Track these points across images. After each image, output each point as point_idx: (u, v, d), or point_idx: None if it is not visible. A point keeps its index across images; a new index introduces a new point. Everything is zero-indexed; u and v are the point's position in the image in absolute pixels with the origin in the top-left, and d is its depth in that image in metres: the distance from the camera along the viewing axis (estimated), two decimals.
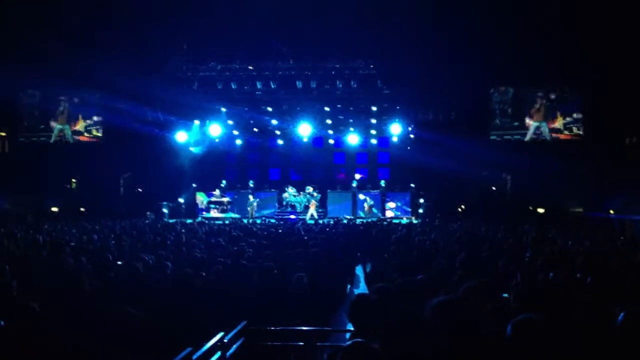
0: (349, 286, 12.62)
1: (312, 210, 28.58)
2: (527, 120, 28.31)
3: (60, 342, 4.46)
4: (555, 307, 4.87)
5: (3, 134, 30.23)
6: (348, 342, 3.23)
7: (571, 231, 16.34)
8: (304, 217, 27.68)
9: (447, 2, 22.79)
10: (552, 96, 28.08)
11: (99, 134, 29.94)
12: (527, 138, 28.32)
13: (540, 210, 26.83)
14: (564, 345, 3.48)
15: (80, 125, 29.93)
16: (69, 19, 23.68)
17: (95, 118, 29.90)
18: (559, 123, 28.01)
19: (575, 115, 27.82)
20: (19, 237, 14.51)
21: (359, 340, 3.29)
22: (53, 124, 29.90)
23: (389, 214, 28.86)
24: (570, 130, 27.93)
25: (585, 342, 3.92)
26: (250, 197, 28.92)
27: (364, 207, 28.89)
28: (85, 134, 29.97)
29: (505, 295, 5.51)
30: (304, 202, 29.52)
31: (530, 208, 27.00)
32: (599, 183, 25.11)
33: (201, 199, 29.88)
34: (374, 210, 28.88)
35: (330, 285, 8.88)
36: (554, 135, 28.11)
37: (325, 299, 7.95)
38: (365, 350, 3.13)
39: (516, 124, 28.54)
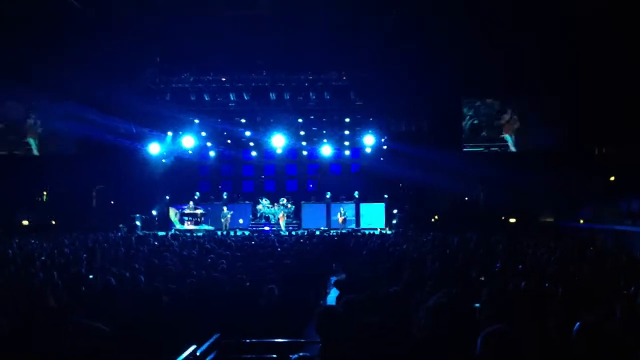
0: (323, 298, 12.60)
1: (282, 222, 28.66)
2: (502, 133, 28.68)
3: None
4: (525, 316, 4.93)
5: None
6: (294, 356, 3.29)
7: (542, 241, 16.51)
8: (278, 228, 27.70)
9: (418, 14, 22.90)
10: (521, 108, 28.46)
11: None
12: (513, 149, 28.66)
13: (512, 220, 27.08)
14: (532, 355, 3.53)
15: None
16: (39, 30, 23.39)
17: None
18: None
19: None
20: None
21: (304, 354, 3.34)
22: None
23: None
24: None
25: (550, 351, 3.98)
26: (224, 208, 28.79)
27: (337, 218, 28.91)
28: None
29: (477, 305, 5.56)
30: (278, 214, 29.51)
31: (503, 218, 27.23)
32: (570, 193, 25.44)
33: (173, 212, 29.70)
34: (348, 221, 28.91)
35: (302, 297, 8.88)
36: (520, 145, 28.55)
37: (297, 311, 7.93)
38: None
39: (487, 135, 28.79)
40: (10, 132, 29.56)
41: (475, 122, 28.71)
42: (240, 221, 28.78)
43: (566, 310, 5.13)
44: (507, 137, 28.62)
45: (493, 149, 28.74)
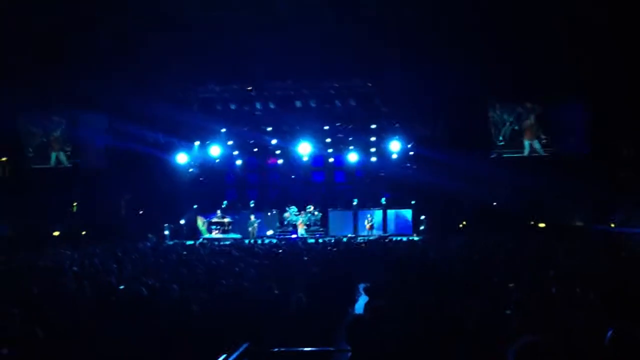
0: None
1: (301, 229, 28.59)
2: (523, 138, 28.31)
3: None
4: (556, 323, 4.87)
5: (4, 159, 30.18)
6: None
7: (573, 246, 16.29)
8: (306, 236, 27.70)
9: (445, 18, 22.83)
10: (547, 111, 28.06)
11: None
12: (525, 154, 28.28)
13: (542, 225, 26.77)
14: None
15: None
16: (66, 42, 23.72)
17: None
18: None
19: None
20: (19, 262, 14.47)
21: None
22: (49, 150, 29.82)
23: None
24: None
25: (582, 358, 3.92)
26: (252, 217, 28.85)
27: (365, 225, 28.83)
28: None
29: (508, 312, 5.51)
30: (298, 221, 29.44)
31: (532, 223, 26.93)
32: (601, 196, 25.11)
33: (201, 221, 29.84)
34: (375, 227, 28.80)
35: (331, 304, 8.85)
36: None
37: (326, 319, 7.91)
38: None
39: (516, 140, 28.47)
40: (50, 146, 29.87)
41: (516, 127, 28.33)
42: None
43: (598, 316, 5.07)
44: (526, 142, 28.23)
45: (533, 154, 28.36)
